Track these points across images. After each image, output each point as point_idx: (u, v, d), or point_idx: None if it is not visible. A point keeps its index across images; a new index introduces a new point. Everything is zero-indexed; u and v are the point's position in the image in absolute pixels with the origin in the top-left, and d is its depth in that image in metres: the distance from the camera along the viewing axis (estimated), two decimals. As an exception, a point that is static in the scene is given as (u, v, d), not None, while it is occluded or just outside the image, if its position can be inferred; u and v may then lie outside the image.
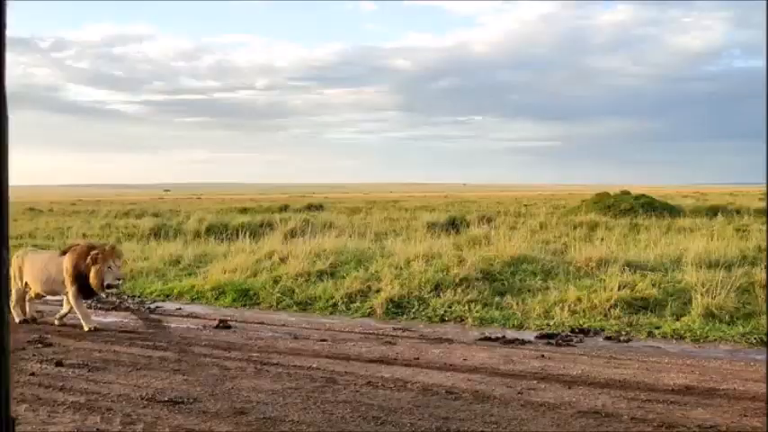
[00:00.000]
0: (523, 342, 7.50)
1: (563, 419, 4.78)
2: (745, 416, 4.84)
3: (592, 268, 10.62)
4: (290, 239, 14.77)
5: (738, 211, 24.64)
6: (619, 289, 8.97)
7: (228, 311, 9.47)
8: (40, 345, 7.23)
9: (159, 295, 10.80)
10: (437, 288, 9.66)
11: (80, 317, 8.14)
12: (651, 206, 24.92)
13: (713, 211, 24.37)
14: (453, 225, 19.06)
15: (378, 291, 9.69)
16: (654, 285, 9.17)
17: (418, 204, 41.51)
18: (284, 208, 35.86)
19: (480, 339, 7.63)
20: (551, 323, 8.28)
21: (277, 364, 6.43)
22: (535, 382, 5.77)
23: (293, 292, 10.24)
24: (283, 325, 8.52)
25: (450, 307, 9.03)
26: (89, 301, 8.82)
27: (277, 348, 7.12)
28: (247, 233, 15.59)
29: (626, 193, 27.78)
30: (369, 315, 9.13)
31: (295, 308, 9.75)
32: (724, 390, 5.52)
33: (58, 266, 8.26)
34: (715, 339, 7.46)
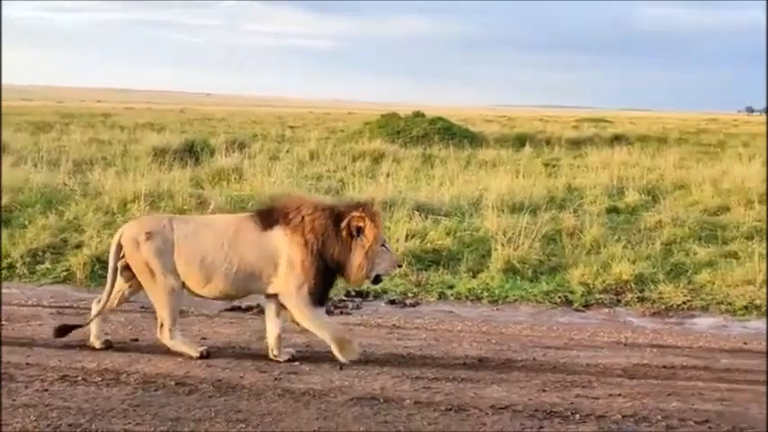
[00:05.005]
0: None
1: (331, 410, 5.06)
2: (544, 390, 5.54)
3: (374, 212, 11.20)
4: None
5: (549, 142, 27.60)
6: (406, 239, 9.61)
7: None
8: None
9: None
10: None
11: (330, 338, 6.05)
12: (449, 133, 26.80)
13: (521, 141, 26.97)
14: (192, 152, 18.71)
15: (78, 246, 9.39)
16: (448, 234, 9.99)
17: (141, 120, 39.93)
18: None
19: (227, 310, 7.75)
20: (321, 285, 8.61)
21: None
22: (298, 363, 6.01)
23: (-57, 248, 9.42)
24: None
25: (186, 267, 8.98)
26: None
27: None
28: None
29: (419, 115, 29.45)
30: (65, 281, 8.83)
31: (-54, 272, 8.98)
32: (522, 361, 6.26)
33: (262, 245, 6.00)
34: (515, 300, 8.39)
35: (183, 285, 6.10)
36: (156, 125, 34.06)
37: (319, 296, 6.04)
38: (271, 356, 6.08)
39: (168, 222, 6.16)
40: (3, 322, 7.00)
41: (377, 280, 6.23)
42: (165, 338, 6.08)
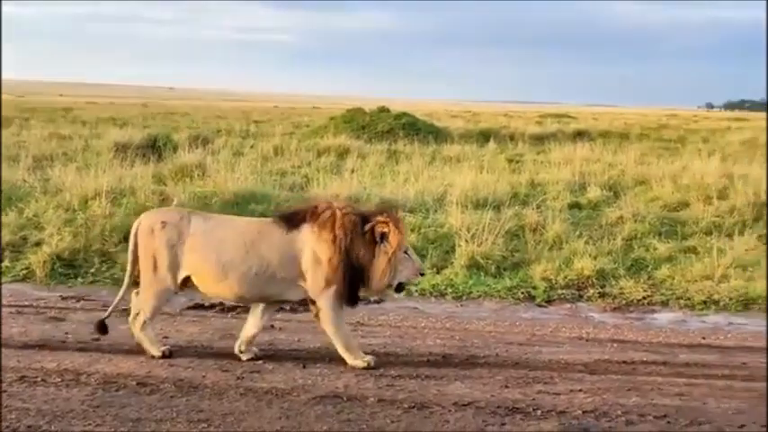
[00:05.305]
0: (247, 309, 7.69)
1: (294, 408, 5.07)
2: (507, 387, 5.60)
3: (339, 209, 11.22)
4: None
5: (512, 137, 27.73)
6: (371, 235, 9.60)
7: None
8: None
9: None
10: (128, 239, 9.50)
11: (342, 346, 5.96)
12: (414, 128, 26.80)
13: (485, 137, 27.07)
14: (154, 147, 18.54)
15: (38, 244, 9.29)
16: (413, 230, 10.01)
17: (103, 115, 39.46)
18: None
19: (190, 308, 7.71)
20: (285, 282, 8.60)
21: None
22: (261, 361, 6.00)
23: None
24: None
25: (148, 264, 8.93)
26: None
27: None
28: None
29: (384, 110, 29.42)
30: (24, 279, 8.72)
31: None
32: (485, 357, 6.32)
33: (286, 246, 5.83)
34: (479, 296, 8.45)
35: (188, 282, 5.96)
36: (119, 120, 33.67)
37: (348, 295, 5.88)
38: (236, 352, 6.03)
39: (186, 215, 6.05)
40: None
41: (399, 288, 6.07)
42: (137, 328, 6.01)
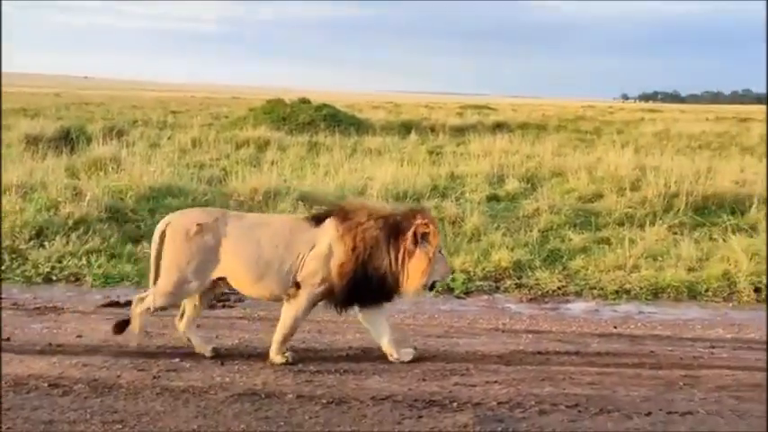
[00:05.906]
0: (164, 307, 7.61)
1: (211, 407, 5.05)
2: (424, 380, 5.68)
3: (258, 202, 11.18)
4: None
5: (433, 129, 27.99)
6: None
7: None
8: None
9: None
10: (40, 235, 9.37)
11: (281, 337, 5.93)
12: (335, 120, 26.82)
13: (406, 128, 27.26)
14: (67, 139, 18.09)
15: None
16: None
17: (12, 105, 38.17)
18: None
19: (104, 305, 7.60)
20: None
21: None
22: (177, 359, 5.95)
23: None
24: None
25: (61, 261, 8.81)
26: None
27: None
28: None
29: (305, 101, 29.34)
30: None
31: None
32: (404, 350, 6.38)
33: (311, 243, 5.85)
34: (398, 289, 8.50)
35: (219, 282, 5.95)
36: (30, 111, 32.62)
37: (341, 303, 5.94)
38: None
39: (221, 217, 5.99)
40: None
41: (432, 286, 6.17)
42: (138, 309, 5.94)
